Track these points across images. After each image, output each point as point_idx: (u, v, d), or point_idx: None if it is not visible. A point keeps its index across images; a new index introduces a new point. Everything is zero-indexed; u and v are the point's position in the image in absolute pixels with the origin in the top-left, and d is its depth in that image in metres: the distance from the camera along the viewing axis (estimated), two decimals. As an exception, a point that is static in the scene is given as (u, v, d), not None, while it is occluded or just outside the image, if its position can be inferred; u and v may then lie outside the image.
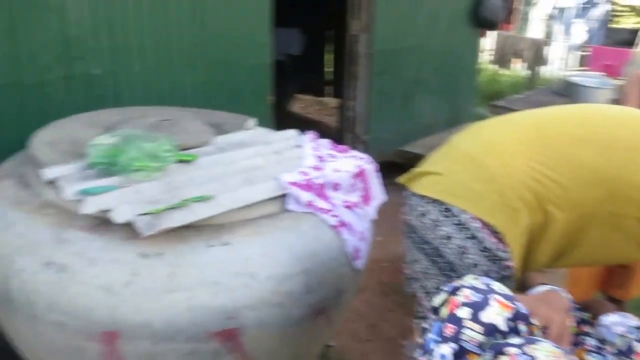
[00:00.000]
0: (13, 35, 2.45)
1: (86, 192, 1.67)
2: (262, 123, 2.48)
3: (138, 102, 2.72)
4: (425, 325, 1.30)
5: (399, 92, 4.56)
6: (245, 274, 1.63)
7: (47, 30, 2.52)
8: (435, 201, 1.55)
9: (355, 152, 2.23)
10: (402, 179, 1.74)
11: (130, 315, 1.56)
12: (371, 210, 2.10)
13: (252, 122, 2.37)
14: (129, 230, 1.59)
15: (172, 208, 1.62)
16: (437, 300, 1.29)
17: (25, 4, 2.45)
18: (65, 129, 2.15)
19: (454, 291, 1.26)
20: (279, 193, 1.82)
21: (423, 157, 1.76)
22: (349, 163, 2.09)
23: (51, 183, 1.78)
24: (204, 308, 1.58)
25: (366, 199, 2.10)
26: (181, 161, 1.89)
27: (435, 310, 1.28)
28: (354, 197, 2.02)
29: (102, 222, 1.64)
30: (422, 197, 1.59)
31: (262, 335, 1.67)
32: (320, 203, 1.85)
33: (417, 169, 1.69)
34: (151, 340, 1.58)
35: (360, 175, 2.07)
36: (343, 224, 1.86)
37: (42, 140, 2.03)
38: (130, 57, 2.79)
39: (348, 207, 1.94)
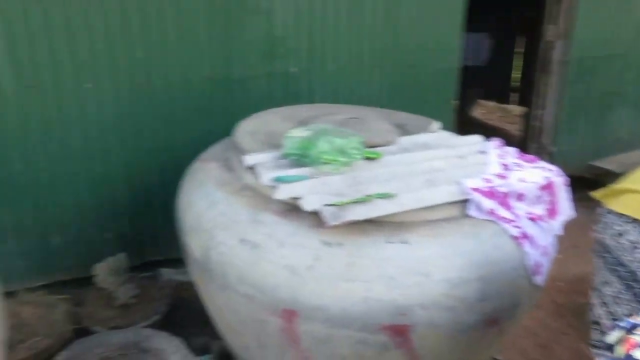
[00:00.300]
0: (228, 35, 2.77)
1: (280, 180, 1.82)
2: (445, 126, 2.47)
3: (328, 100, 2.89)
4: (599, 360, 1.20)
5: (594, 103, 4.20)
6: (421, 273, 1.64)
7: (256, 32, 2.81)
8: (636, 221, 1.42)
9: (543, 163, 2.11)
10: (597, 194, 1.61)
11: (309, 297, 1.66)
12: (556, 225, 1.98)
13: (436, 124, 2.37)
14: (314, 218, 1.70)
15: (357, 202, 1.69)
16: (611, 337, 1.18)
17: (240, 8, 2.75)
18: (264, 120, 2.36)
19: (631, 329, 1.14)
20: (460, 198, 1.80)
21: (617, 174, 1.62)
22: (536, 174, 1.99)
23: (250, 169, 1.97)
24: (378, 301, 1.63)
25: (552, 212, 1.98)
26: (367, 158, 1.97)
27: (610, 348, 1.17)
28: (539, 210, 1.92)
29: (291, 208, 1.78)
30: (621, 215, 1.46)
31: (431, 336, 1.68)
32: (503, 212, 1.79)
33: (617, 186, 1.56)
34: (326, 324, 1.67)
35: (547, 187, 1.96)
36: (525, 236, 1.78)
37: (245, 129, 2.25)
38: (325, 58, 2.97)
39: (532, 219, 1.85)
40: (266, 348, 1.89)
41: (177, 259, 2.98)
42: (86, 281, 2.78)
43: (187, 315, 2.66)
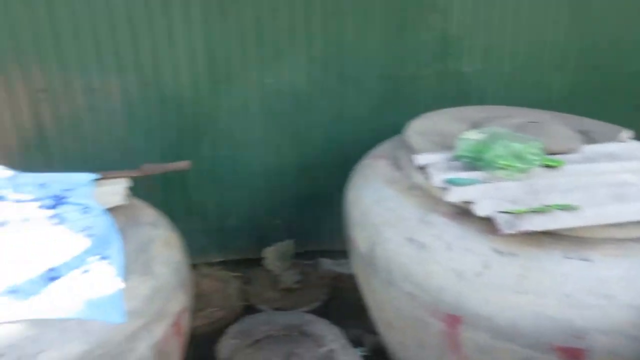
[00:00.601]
0: (402, 32, 2.79)
1: (452, 182, 1.80)
2: (636, 136, 2.24)
3: (501, 102, 2.77)
4: None
5: None
6: (602, 295, 1.51)
7: (430, 29, 2.78)
8: None
9: None
10: None
11: (475, 304, 1.62)
12: None
13: (627, 133, 2.16)
14: (486, 224, 1.65)
15: (534, 211, 1.61)
16: None
17: (417, 6, 2.75)
18: (436, 120, 2.34)
19: None
20: (655, 216, 1.63)
21: None
22: None
23: (421, 168, 1.97)
24: (551, 318, 1.53)
25: None
26: (546, 165, 1.86)
27: None
28: None
29: (461, 212, 1.74)
30: None
31: (609, 365, 1.54)
32: None
33: None
34: (490, 334, 1.62)
35: None
36: None
37: (416, 129, 2.25)
38: (502, 57, 2.85)
39: None
40: (425, 349, 1.88)
41: (336, 251, 3.10)
42: (255, 262, 3.00)
43: (342, 306, 2.74)
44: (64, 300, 1.35)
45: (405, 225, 1.83)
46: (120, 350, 1.41)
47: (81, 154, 2.77)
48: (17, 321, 1.29)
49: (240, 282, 2.82)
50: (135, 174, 2.11)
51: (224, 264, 3.04)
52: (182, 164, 2.25)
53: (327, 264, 3.05)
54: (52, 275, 1.42)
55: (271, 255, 2.85)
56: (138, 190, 2.06)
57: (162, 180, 2.71)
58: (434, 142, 2.12)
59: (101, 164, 2.32)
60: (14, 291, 1.34)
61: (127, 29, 2.62)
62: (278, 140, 2.92)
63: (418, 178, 1.96)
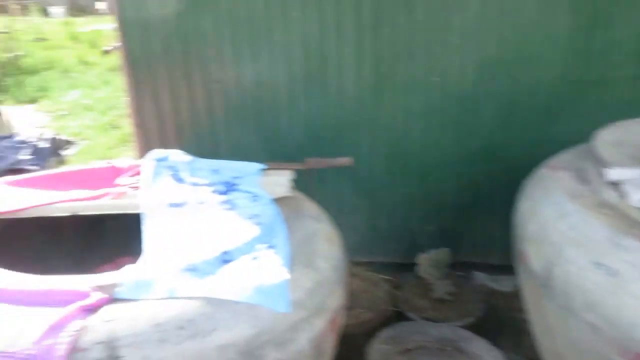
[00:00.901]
0: (591, 32, 2.50)
1: (657, 202, 1.55)
2: None
3: None
4: None
5: None
6: None
7: (625, 27, 2.46)
8: None
9: None
10: None
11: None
12: None
13: None
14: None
15: None
16: None
17: (610, 1, 2.45)
18: (631, 130, 2.06)
19: None
20: None
21: None
22: None
23: (613, 184, 1.73)
24: None
25: None
26: None
27: None
28: None
29: (667, 238, 1.50)
30: None
31: None
32: None
33: None
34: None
35: None
36: None
37: (606, 139, 2.00)
38: None
39: None
40: (604, 389, 1.65)
41: (491, 265, 2.89)
42: (403, 267, 2.90)
43: (497, 325, 2.54)
44: (236, 284, 1.36)
45: (593, 246, 1.62)
46: (283, 339, 1.40)
47: (245, 143, 2.87)
48: (195, 298, 1.32)
49: (390, 286, 2.74)
50: (299, 166, 2.12)
51: (372, 265, 2.97)
52: (345, 160, 2.22)
53: (482, 278, 2.86)
54: (225, 258, 1.44)
55: (425, 262, 2.72)
56: (298, 183, 2.06)
57: (319, 174, 2.71)
58: (630, 155, 1.86)
59: (263, 154, 2.37)
60: (192, 269, 1.38)
61: (297, 26, 2.66)
62: (439, 142, 2.79)
63: (609, 195, 1.73)
